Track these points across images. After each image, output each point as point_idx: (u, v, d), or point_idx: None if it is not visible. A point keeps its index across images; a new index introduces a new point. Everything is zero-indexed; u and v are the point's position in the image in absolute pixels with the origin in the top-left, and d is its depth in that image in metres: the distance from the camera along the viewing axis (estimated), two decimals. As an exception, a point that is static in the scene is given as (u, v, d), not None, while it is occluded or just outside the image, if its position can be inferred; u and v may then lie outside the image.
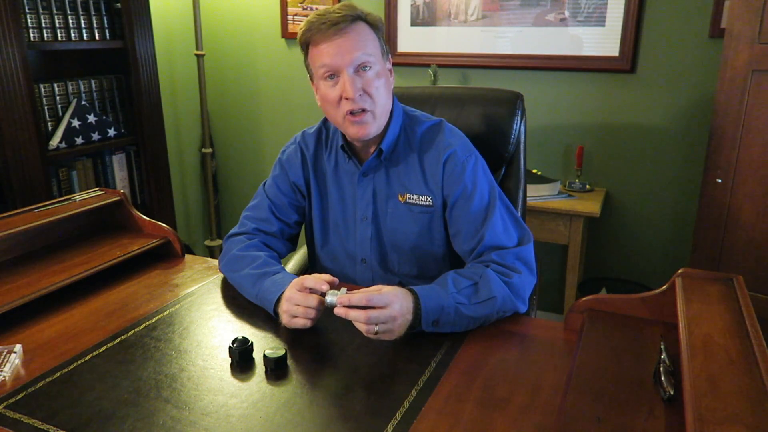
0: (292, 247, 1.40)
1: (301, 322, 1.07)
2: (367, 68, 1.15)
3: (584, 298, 1.09)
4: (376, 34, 1.18)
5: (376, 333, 0.99)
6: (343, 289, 1.03)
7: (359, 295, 0.99)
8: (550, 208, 2.27)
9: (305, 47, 1.18)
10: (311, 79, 1.23)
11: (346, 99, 1.15)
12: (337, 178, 1.31)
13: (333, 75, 1.16)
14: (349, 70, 1.14)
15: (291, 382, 0.94)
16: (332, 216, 1.33)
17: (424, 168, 1.25)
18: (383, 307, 0.98)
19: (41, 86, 2.16)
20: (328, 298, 1.02)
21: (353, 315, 0.98)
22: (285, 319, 1.08)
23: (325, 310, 1.05)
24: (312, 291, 1.06)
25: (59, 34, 2.16)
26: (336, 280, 1.07)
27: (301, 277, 1.09)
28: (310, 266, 1.48)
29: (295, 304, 1.06)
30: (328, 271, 1.37)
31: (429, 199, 1.25)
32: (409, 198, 1.26)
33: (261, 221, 1.33)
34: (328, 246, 1.35)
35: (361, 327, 0.99)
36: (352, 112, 1.16)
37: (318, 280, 1.05)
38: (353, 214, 1.31)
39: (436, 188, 1.24)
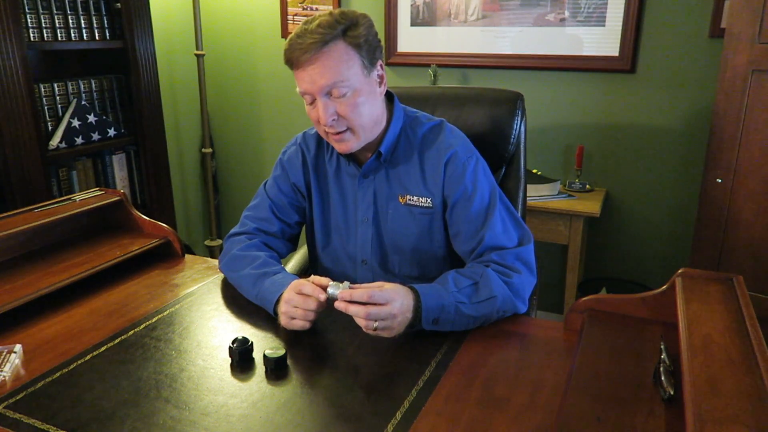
0: (293, 248, 1.40)
1: (299, 324, 1.07)
2: (341, 91, 1.13)
3: (584, 298, 1.09)
4: (356, 50, 1.13)
5: (375, 329, 0.99)
6: (346, 283, 1.03)
7: (360, 291, 0.99)
8: (550, 208, 2.27)
9: (289, 66, 1.16)
10: None
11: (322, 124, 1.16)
12: (339, 179, 1.31)
13: (311, 98, 1.16)
14: (321, 95, 1.13)
15: (291, 382, 0.94)
16: (333, 217, 1.33)
17: (425, 169, 1.25)
18: (384, 304, 0.99)
19: (41, 86, 2.16)
20: (330, 290, 1.03)
21: (353, 310, 0.99)
22: (283, 321, 1.09)
23: (326, 308, 1.06)
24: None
25: (59, 34, 2.16)
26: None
27: (300, 281, 1.10)
28: (310, 267, 1.48)
29: (294, 306, 1.06)
30: (328, 271, 1.37)
31: (428, 200, 1.25)
32: (410, 199, 1.26)
33: (262, 221, 1.33)
34: (329, 247, 1.35)
35: (361, 322, 0.99)
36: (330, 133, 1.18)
37: (315, 289, 1.05)
38: (354, 215, 1.31)
39: (436, 189, 1.24)
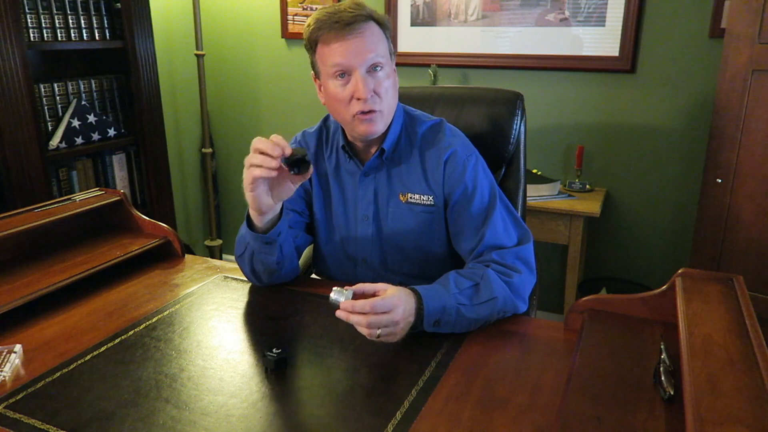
0: (306, 239, 1.36)
1: (258, 172, 1.02)
2: (379, 69, 1.15)
3: (584, 298, 1.09)
4: (386, 34, 1.18)
5: (378, 336, 0.99)
6: (350, 291, 1.01)
7: (362, 303, 0.98)
8: (550, 208, 2.27)
9: (313, 45, 1.16)
10: (316, 76, 1.22)
11: (358, 99, 1.14)
12: (338, 177, 1.31)
13: (344, 74, 1.15)
14: (361, 70, 1.13)
15: (291, 382, 0.94)
16: (333, 215, 1.33)
17: (425, 167, 1.25)
18: (386, 312, 0.98)
19: (41, 86, 2.16)
20: (333, 296, 1.01)
21: (355, 319, 0.98)
22: (246, 176, 1.04)
23: (326, 310, 1.05)
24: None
25: (59, 34, 2.16)
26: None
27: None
28: (313, 264, 1.47)
29: (259, 151, 1.02)
30: (328, 270, 1.37)
31: (431, 198, 1.25)
32: (411, 197, 1.26)
33: None
34: (328, 245, 1.35)
35: (363, 331, 0.99)
36: (362, 111, 1.15)
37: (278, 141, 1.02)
38: (354, 213, 1.31)
39: (437, 188, 1.24)
